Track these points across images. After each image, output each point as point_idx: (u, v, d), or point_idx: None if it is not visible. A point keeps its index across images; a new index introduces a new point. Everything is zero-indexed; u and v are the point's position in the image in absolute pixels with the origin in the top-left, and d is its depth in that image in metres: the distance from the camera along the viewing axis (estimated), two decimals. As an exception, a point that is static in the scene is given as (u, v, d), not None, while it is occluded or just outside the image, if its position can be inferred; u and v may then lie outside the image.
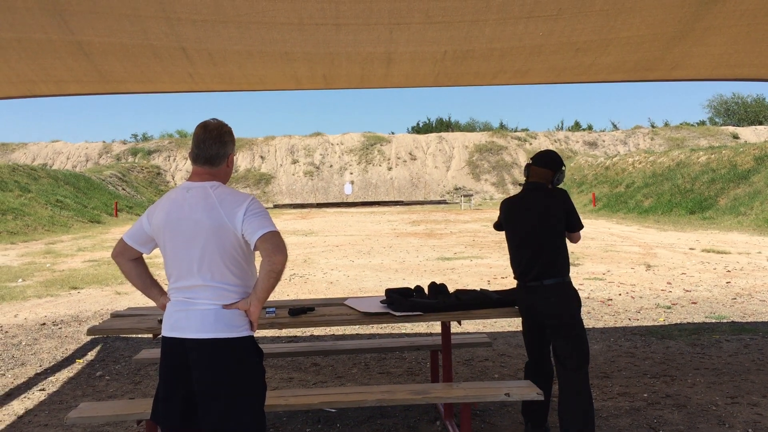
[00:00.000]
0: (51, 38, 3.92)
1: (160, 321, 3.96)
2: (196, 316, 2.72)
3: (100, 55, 4.24)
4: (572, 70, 4.93)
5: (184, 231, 2.72)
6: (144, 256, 2.96)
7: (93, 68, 4.48)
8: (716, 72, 5.21)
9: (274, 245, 2.62)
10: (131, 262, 2.94)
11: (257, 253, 2.75)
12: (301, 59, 4.47)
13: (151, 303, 9.32)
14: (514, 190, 41.74)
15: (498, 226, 4.19)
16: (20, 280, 11.81)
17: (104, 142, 48.43)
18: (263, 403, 2.82)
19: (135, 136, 52.21)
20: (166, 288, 2.96)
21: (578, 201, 31.64)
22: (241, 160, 45.71)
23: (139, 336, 7.06)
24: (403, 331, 7.21)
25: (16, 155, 45.10)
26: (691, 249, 14.60)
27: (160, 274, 7.09)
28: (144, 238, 2.88)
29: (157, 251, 2.96)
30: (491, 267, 12.27)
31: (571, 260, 3.97)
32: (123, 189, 37.84)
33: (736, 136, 46.25)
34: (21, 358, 6.46)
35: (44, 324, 8.03)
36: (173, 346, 2.77)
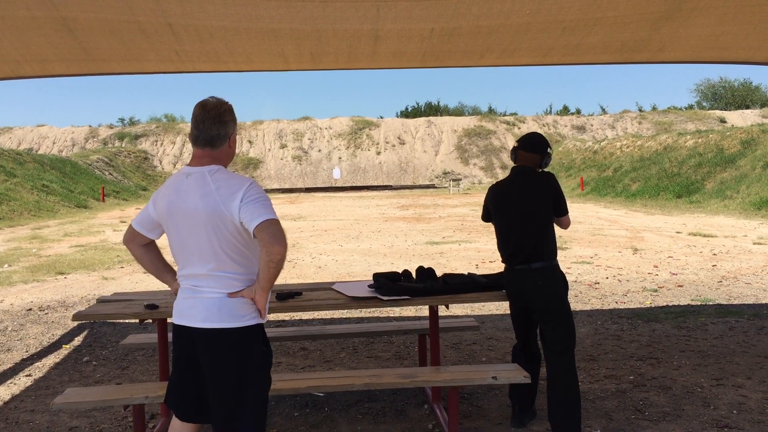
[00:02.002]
0: (35, 15, 3.85)
1: (147, 306, 3.95)
2: (202, 304, 2.65)
3: (85, 32, 4.17)
4: (559, 49, 4.91)
5: (184, 219, 2.65)
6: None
7: (78, 45, 4.40)
8: (703, 54, 5.20)
9: (271, 235, 2.49)
10: (142, 248, 2.89)
11: None
12: (287, 36, 4.42)
13: (138, 288, 9.29)
14: (502, 174, 41.80)
15: (486, 216, 4.15)
16: (6, 265, 11.72)
17: (90, 126, 47.95)
18: (267, 392, 2.76)
19: (122, 120, 51.58)
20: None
21: (566, 185, 31.73)
22: (229, 145, 45.42)
23: (126, 321, 7.03)
24: (391, 316, 7.22)
25: (1, 139, 44.63)
26: (677, 232, 14.70)
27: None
28: (151, 224, 2.83)
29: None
30: (479, 251, 12.29)
31: (558, 244, 3.97)
32: (110, 174, 37.56)
33: (723, 120, 46.45)
34: (7, 344, 6.42)
35: (30, 309, 7.98)
36: (182, 334, 2.73)
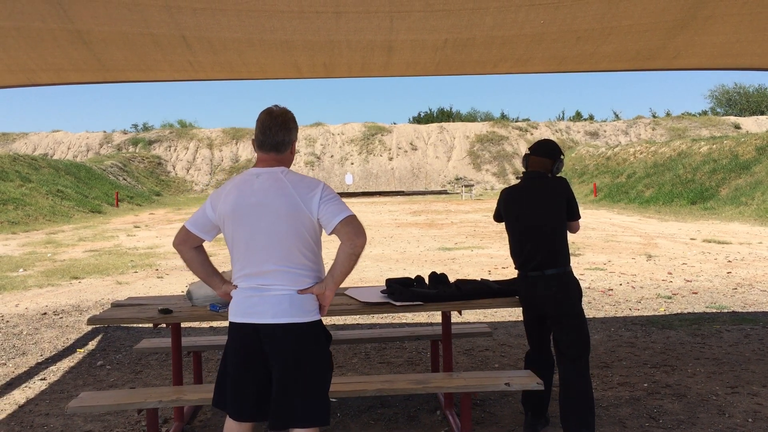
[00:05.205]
0: (50, 27, 3.90)
1: (161, 310, 3.97)
2: (271, 301, 2.75)
3: (100, 44, 4.22)
4: (573, 58, 4.90)
5: (256, 216, 2.74)
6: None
7: (93, 57, 4.45)
8: (718, 61, 5.18)
9: (356, 228, 2.75)
10: (194, 251, 2.96)
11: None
12: (301, 47, 4.44)
13: (152, 293, 9.32)
14: (515, 181, 41.67)
15: (497, 216, 4.16)
16: (21, 269, 11.82)
17: (105, 132, 48.34)
18: (329, 383, 2.88)
19: (135, 126, 51.91)
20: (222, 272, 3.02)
21: (579, 191, 31.61)
22: (242, 150, 45.69)
23: (140, 326, 7.07)
24: (404, 321, 7.21)
25: (16, 145, 45.07)
26: (692, 239, 14.60)
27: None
28: (208, 225, 2.90)
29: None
30: (492, 257, 12.27)
31: (571, 250, 3.95)
32: (124, 179, 37.82)
33: (737, 126, 46.13)
34: (22, 348, 6.47)
35: (45, 314, 8.04)
36: (245, 332, 2.79)
